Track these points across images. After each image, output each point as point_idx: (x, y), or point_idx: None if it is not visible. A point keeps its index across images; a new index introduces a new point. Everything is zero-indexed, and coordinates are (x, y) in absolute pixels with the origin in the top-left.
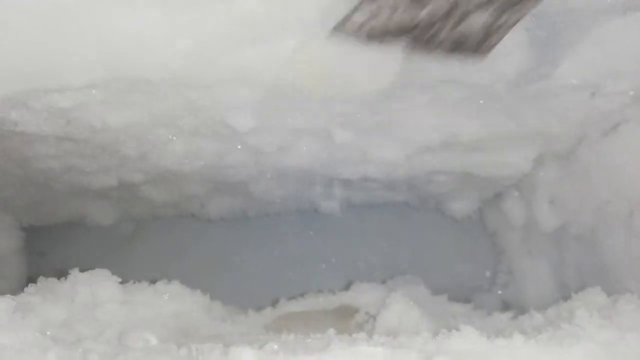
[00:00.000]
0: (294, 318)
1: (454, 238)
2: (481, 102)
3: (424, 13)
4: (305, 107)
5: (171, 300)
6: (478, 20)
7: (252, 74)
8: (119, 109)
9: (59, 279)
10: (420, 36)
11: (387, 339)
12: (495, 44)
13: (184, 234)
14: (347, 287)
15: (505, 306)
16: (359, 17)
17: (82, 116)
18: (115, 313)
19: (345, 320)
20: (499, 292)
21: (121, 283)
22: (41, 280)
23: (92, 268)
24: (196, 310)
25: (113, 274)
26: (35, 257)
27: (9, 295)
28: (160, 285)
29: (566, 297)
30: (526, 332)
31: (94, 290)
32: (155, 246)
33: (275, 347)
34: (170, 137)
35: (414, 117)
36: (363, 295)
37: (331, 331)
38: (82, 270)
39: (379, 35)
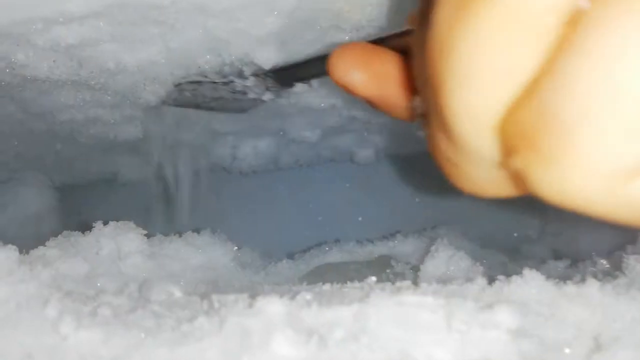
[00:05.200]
0: (331, 269)
1: None
2: None
3: None
4: (336, 37)
5: (201, 251)
6: None
7: None
8: (132, 46)
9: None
10: None
11: (436, 286)
12: None
13: (216, 188)
14: (383, 237)
15: (556, 257)
16: None
17: (94, 56)
18: (141, 266)
19: (384, 270)
20: (549, 241)
21: (149, 236)
22: (64, 234)
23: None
24: (226, 262)
25: (147, 230)
26: (70, 216)
27: (10, 246)
28: (189, 236)
29: (623, 246)
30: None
31: (119, 243)
32: (186, 201)
33: (308, 297)
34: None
35: None
36: (403, 245)
37: (371, 279)
38: None
39: None
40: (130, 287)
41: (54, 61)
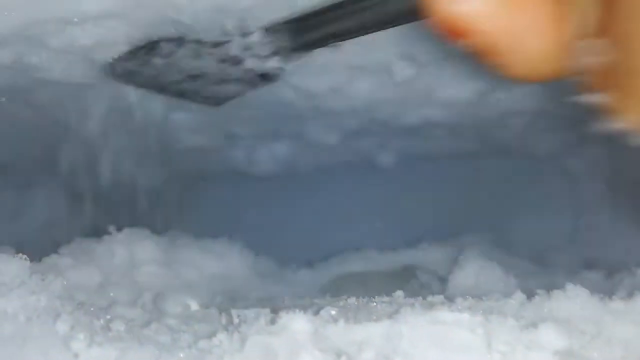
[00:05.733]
0: (353, 279)
1: (527, 190)
2: None
3: None
4: (361, 39)
5: (217, 259)
6: None
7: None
8: None
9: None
10: None
11: (472, 302)
12: None
13: (232, 193)
14: (407, 246)
15: (588, 267)
16: None
17: (109, 57)
18: (155, 275)
19: (408, 281)
20: (580, 250)
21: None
22: (77, 241)
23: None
24: (244, 271)
25: (161, 237)
26: (84, 222)
27: (21, 255)
28: (206, 243)
29: None
30: None
31: (133, 251)
32: (204, 207)
33: (333, 312)
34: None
35: None
36: (428, 254)
37: (399, 293)
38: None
39: None
40: (144, 298)
41: (67, 63)
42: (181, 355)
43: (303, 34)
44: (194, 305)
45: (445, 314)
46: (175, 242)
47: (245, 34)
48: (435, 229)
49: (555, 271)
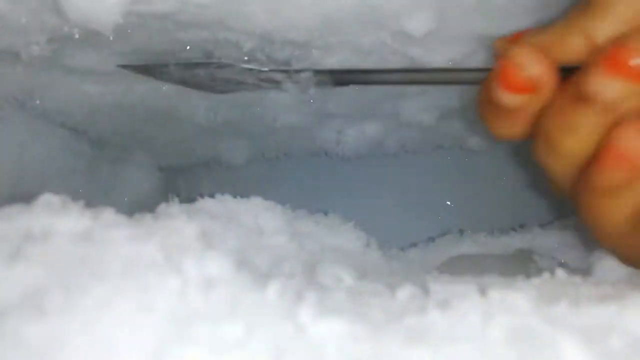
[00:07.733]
0: (466, 261)
1: None
2: None
3: None
4: (495, 5)
5: (332, 233)
6: None
7: None
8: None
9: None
10: None
11: None
12: None
13: (317, 173)
14: (514, 230)
15: None
16: None
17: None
18: (286, 246)
19: (525, 265)
20: None
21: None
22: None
23: None
24: (361, 248)
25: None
26: (171, 197)
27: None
28: (319, 217)
29: None
30: None
31: (260, 221)
32: (289, 186)
33: (534, 292)
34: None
35: None
36: (542, 238)
37: (560, 273)
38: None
39: None
40: (289, 268)
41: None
42: (400, 328)
43: (343, 79)
44: (349, 279)
45: None
46: (291, 212)
47: (291, 72)
48: (525, 212)
49: None
